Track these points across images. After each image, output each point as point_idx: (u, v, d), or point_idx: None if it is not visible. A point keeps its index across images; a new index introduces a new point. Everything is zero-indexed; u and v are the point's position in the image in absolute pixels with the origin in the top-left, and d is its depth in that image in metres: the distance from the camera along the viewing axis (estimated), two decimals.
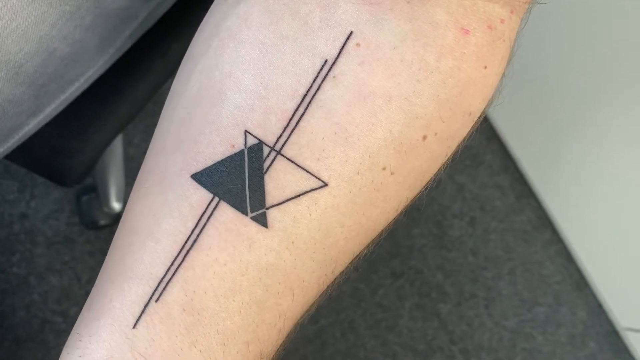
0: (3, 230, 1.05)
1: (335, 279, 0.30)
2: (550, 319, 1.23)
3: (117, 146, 0.98)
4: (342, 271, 0.30)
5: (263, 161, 0.26)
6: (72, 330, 0.28)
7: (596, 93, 1.09)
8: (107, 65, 0.49)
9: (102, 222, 1.06)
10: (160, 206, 0.27)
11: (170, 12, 0.55)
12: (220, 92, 0.27)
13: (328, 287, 0.30)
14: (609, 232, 1.18)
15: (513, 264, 1.24)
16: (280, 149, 0.26)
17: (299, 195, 0.26)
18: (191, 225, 0.26)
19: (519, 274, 1.24)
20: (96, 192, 1.04)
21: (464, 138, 0.30)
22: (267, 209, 0.26)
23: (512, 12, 0.28)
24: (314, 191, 0.26)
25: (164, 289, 0.26)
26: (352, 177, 0.27)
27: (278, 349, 0.29)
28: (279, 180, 0.26)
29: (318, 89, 0.26)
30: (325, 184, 0.26)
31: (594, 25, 1.03)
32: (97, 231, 1.07)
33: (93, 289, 0.28)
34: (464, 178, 1.25)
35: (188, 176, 0.27)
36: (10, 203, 1.06)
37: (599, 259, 1.22)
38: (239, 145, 0.26)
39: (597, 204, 1.17)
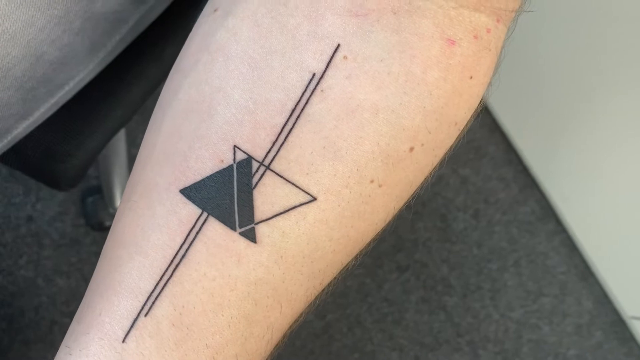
0: (10, 233, 1.06)
1: (323, 289, 0.30)
2: (556, 310, 1.23)
3: (121, 147, 0.98)
4: (330, 282, 0.30)
5: (252, 176, 0.26)
6: (62, 344, 0.28)
7: (598, 84, 1.08)
8: (98, 69, 0.49)
9: (108, 223, 1.06)
10: (148, 220, 0.27)
11: (163, 17, 0.54)
12: (210, 106, 0.27)
13: (316, 297, 0.30)
14: (613, 221, 1.17)
15: (518, 255, 1.24)
16: (269, 163, 0.26)
17: (287, 210, 0.26)
18: (180, 240, 0.26)
19: (524, 265, 1.24)
20: (101, 193, 1.05)
21: (450, 147, 0.30)
22: (256, 224, 0.26)
23: (498, 21, 0.28)
24: (303, 206, 0.26)
25: (153, 303, 0.26)
26: (341, 191, 0.27)
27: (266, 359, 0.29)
28: (268, 196, 0.26)
29: (306, 103, 0.26)
30: (314, 199, 0.26)
31: (594, 15, 1.03)
32: (103, 232, 1.08)
33: (82, 301, 0.28)
34: (467, 171, 1.25)
35: (177, 191, 0.27)
36: (16, 206, 1.07)
37: (603, 248, 1.22)
38: (228, 160, 0.26)
39: (600, 193, 1.17)
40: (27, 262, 1.05)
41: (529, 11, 0.29)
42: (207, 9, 0.30)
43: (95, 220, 1.07)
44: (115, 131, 0.59)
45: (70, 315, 1.04)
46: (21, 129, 0.46)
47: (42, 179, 0.59)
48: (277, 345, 0.29)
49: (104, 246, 0.29)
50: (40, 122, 0.48)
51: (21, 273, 1.05)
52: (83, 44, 0.44)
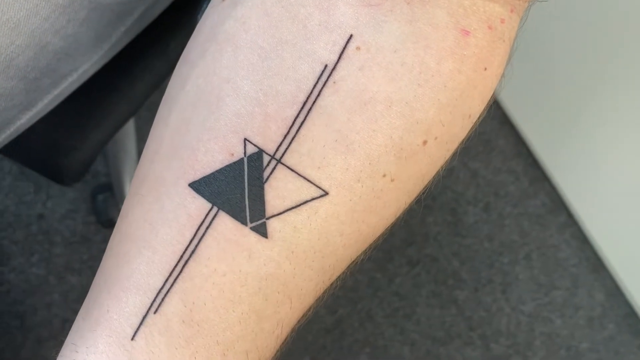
0: (21, 231, 1.06)
1: (332, 284, 0.29)
2: (568, 302, 1.23)
3: (131, 144, 0.98)
4: (339, 276, 0.29)
5: (263, 170, 0.26)
6: (66, 340, 0.27)
7: (608, 77, 1.08)
8: (103, 61, 0.48)
9: None
10: (156, 214, 0.27)
11: (169, 10, 0.54)
12: (219, 98, 0.26)
13: (325, 292, 0.29)
14: (624, 213, 1.17)
15: (529, 248, 1.24)
16: (281, 157, 0.26)
17: (299, 205, 0.26)
18: (189, 235, 0.26)
19: (535, 258, 1.23)
20: (111, 190, 1.05)
21: (463, 140, 0.29)
22: (267, 219, 0.26)
23: (512, 11, 0.27)
24: (315, 200, 0.26)
25: (163, 300, 0.26)
26: (353, 185, 0.26)
27: (275, 355, 0.29)
28: (279, 190, 0.26)
29: (318, 95, 0.25)
30: (326, 193, 0.26)
31: (605, 8, 1.02)
32: (113, 229, 1.08)
33: (87, 297, 0.28)
34: (477, 164, 1.25)
35: (186, 185, 0.26)
36: (27, 204, 1.07)
37: (615, 240, 1.21)
38: (238, 153, 0.26)
39: (611, 185, 1.16)
40: (39, 260, 1.06)
41: (542, 0, 0.29)
42: None
43: (105, 218, 1.07)
44: (119, 125, 0.59)
45: None
46: (24, 120, 0.45)
47: (45, 172, 0.59)
48: (285, 340, 0.29)
49: (110, 241, 0.28)
50: (43, 113, 0.47)
51: (33, 271, 1.05)
52: (88, 35, 0.43)
